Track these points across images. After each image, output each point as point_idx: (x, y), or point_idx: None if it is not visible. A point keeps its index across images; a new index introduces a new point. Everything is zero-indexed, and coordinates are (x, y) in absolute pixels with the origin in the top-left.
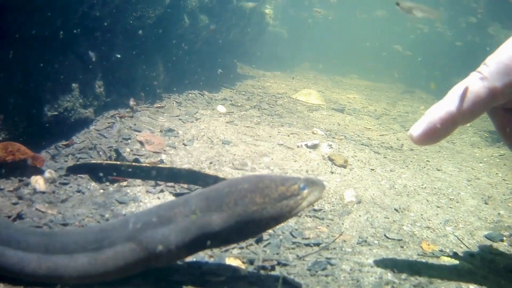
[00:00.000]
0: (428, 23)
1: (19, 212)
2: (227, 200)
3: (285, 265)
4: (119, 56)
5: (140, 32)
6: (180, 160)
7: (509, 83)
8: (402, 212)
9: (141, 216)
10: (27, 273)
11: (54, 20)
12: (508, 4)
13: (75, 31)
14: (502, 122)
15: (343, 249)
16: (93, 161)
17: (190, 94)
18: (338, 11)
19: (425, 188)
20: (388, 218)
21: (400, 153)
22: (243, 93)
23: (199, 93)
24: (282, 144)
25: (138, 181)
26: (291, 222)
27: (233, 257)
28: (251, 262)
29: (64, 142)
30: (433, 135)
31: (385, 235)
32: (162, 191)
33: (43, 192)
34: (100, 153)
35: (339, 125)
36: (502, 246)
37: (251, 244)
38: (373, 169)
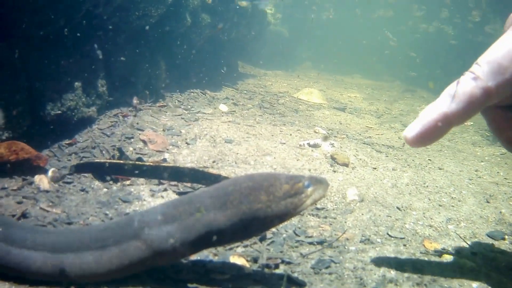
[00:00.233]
0: (431, 22)
1: (24, 211)
2: (231, 198)
3: (289, 263)
4: (121, 55)
5: (143, 30)
6: (183, 159)
7: (503, 82)
8: (404, 210)
9: (146, 214)
10: (32, 271)
11: (57, 19)
12: (510, 2)
13: (78, 30)
14: (494, 119)
15: (346, 247)
16: (96, 160)
17: (192, 93)
18: (338, 11)
19: (427, 186)
20: (390, 216)
21: (401, 151)
22: (245, 92)
23: (201, 92)
24: (284, 143)
25: (142, 180)
26: (295, 220)
27: (237, 256)
28: (255, 260)
29: (67, 141)
30: (428, 136)
31: (387, 234)
32: (165, 190)
33: (47, 191)
34: (103, 152)
35: (341, 124)
36: (504, 244)
37: (255, 243)
38: (375, 168)
